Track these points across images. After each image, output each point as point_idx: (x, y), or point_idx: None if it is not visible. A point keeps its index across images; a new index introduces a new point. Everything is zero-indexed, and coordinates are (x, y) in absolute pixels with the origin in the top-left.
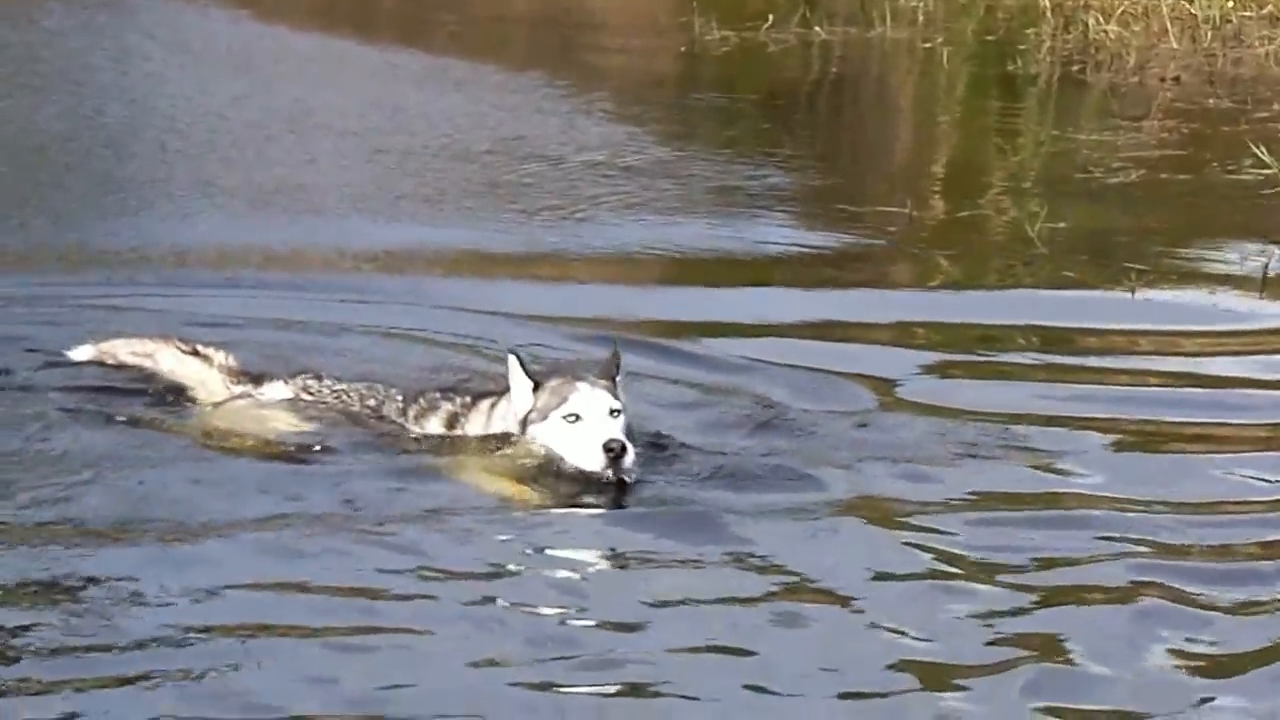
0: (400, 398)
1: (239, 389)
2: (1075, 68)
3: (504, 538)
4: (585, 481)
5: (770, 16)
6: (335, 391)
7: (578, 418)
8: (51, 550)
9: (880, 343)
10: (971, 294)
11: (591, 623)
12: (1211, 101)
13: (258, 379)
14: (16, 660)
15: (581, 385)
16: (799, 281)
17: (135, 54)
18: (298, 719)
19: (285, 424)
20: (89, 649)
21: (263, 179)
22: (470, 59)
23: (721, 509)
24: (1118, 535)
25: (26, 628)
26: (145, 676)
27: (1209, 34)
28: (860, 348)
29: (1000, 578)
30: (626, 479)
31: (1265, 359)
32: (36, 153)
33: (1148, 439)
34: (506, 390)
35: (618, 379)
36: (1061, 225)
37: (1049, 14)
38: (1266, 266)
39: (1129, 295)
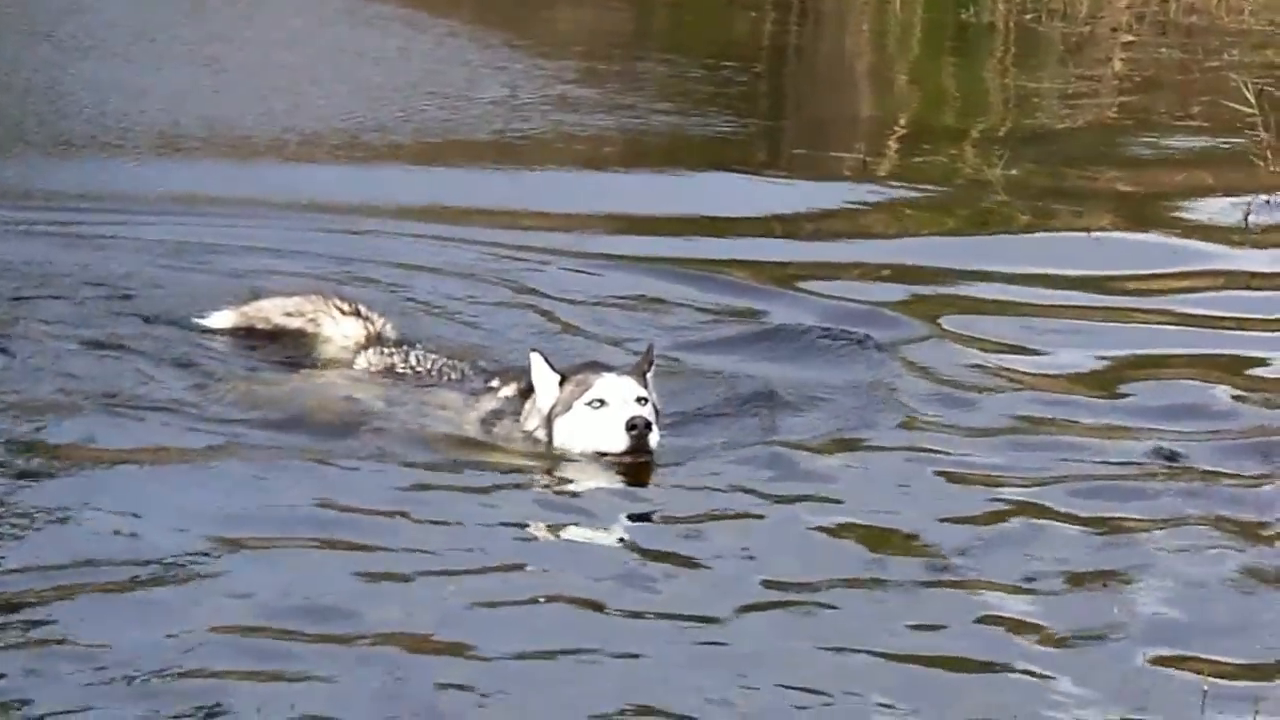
0: (493, 379)
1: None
2: (1029, 16)
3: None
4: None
5: None
6: (439, 365)
7: (603, 403)
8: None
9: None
10: (932, 238)
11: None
12: (1164, 51)
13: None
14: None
15: (607, 374)
16: (754, 230)
17: None
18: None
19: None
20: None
21: (160, 115)
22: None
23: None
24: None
25: None
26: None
27: None
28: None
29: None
30: (650, 456)
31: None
32: None
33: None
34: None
35: (649, 374)
36: (1014, 172)
37: None
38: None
39: (1086, 236)
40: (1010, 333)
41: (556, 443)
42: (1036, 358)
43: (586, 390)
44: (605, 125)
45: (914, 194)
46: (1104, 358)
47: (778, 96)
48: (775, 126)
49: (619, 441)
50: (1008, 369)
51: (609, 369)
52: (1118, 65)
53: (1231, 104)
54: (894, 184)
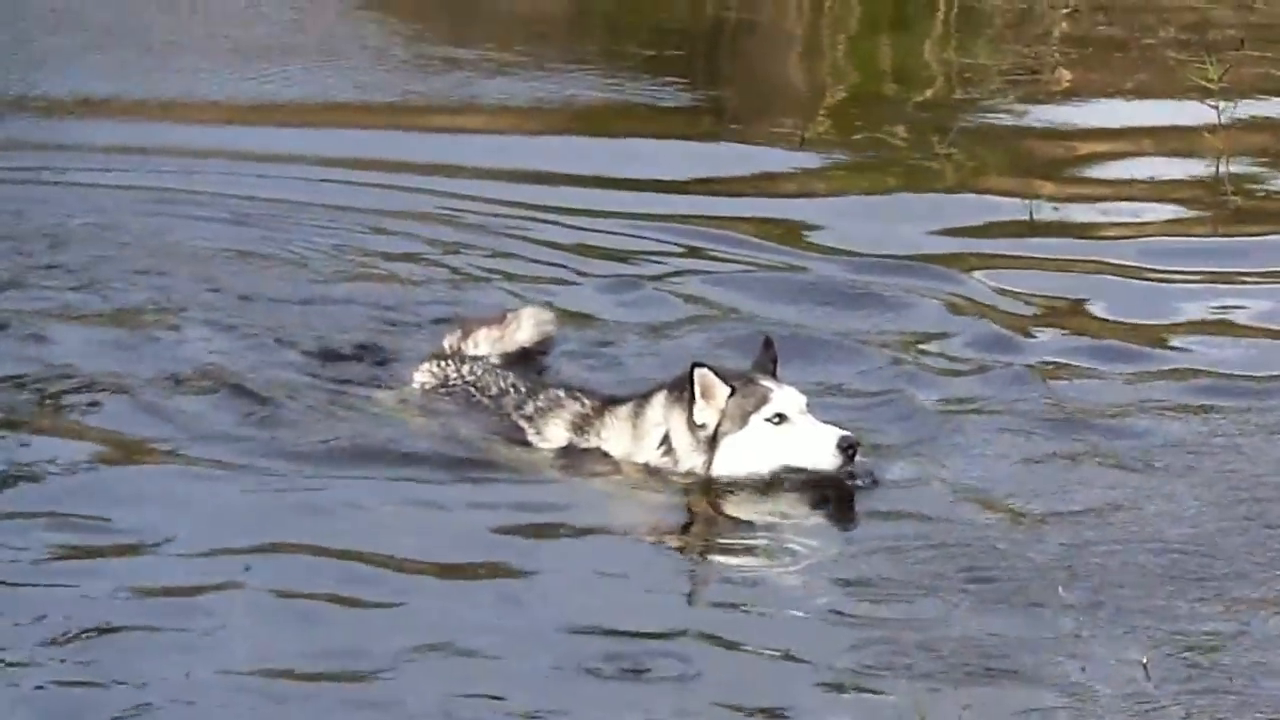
0: (523, 389)
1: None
2: None
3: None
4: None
5: None
6: (468, 382)
7: (783, 418)
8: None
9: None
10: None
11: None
12: (1101, 28)
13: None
14: None
15: (773, 383)
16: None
17: None
18: None
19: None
20: None
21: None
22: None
23: None
24: None
25: None
26: None
27: None
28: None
29: None
30: (859, 479)
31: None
32: None
33: None
34: (640, 396)
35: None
36: (953, 152)
37: None
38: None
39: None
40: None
41: (721, 466)
42: None
43: (763, 404)
44: (542, 94)
45: (847, 159)
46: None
47: (714, 72)
48: (713, 98)
49: (830, 460)
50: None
51: (760, 376)
52: (1057, 45)
53: (1190, 76)
54: (827, 152)
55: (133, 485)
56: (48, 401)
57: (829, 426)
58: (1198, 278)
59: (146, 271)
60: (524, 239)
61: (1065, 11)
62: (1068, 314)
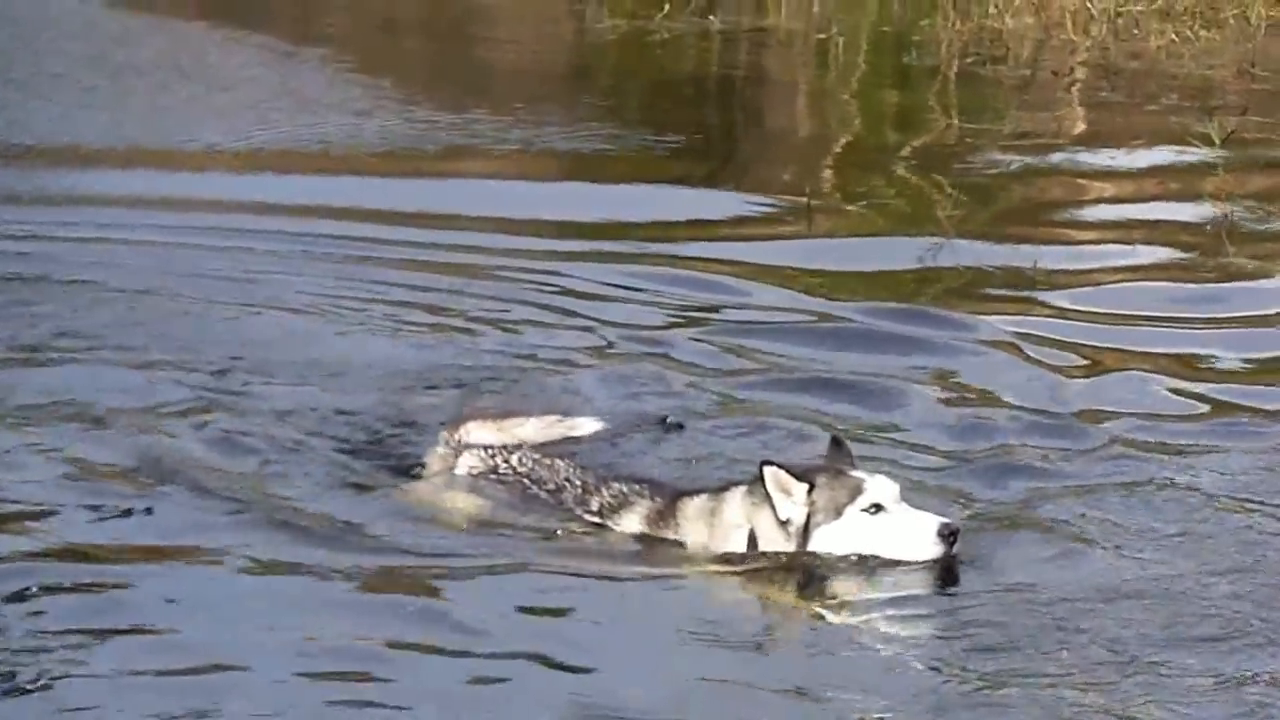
0: (579, 484)
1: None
2: (970, 60)
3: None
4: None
5: (666, 6)
6: (520, 473)
7: (879, 508)
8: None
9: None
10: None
11: None
12: (1104, 94)
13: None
14: None
15: (865, 475)
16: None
17: None
18: None
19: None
20: None
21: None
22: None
23: None
24: None
25: None
26: None
27: (1103, 27)
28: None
29: None
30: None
31: None
32: None
33: None
34: (712, 492)
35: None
36: (956, 213)
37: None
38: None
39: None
40: None
41: (815, 550)
42: None
43: (858, 494)
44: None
45: (855, 209)
46: None
47: (727, 126)
48: (722, 151)
49: (931, 549)
50: None
51: (850, 469)
52: (1059, 111)
53: (1191, 138)
54: (834, 202)
55: (138, 570)
56: (48, 466)
57: (928, 514)
58: (1201, 322)
59: (143, 327)
60: (540, 289)
61: (1068, 78)
62: (1093, 358)
